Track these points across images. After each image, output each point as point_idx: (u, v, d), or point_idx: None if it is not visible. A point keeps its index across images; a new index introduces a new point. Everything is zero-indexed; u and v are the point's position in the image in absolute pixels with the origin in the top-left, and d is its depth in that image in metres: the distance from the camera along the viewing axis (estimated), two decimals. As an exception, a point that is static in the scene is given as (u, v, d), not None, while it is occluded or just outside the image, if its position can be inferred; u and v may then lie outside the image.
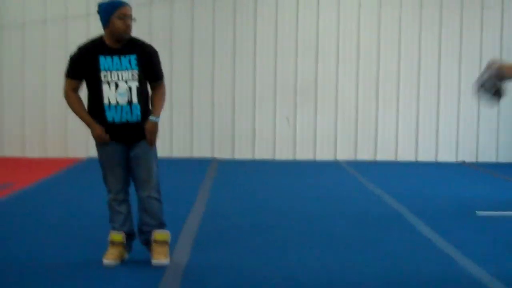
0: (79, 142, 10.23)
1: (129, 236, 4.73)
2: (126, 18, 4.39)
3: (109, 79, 4.42)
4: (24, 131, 10.59)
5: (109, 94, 4.42)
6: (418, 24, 10.66)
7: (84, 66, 4.45)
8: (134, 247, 4.81)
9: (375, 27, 10.80)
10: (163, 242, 4.63)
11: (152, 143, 4.58)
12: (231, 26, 10.69)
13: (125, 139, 4.55)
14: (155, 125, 4.54)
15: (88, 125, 4.53)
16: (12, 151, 10.59)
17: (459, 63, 10.84)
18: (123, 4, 4.43)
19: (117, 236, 4.62)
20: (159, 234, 4.63)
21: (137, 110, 4.47)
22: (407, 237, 5.46)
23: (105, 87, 4.42)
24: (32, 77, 10.50)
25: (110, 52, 4.44)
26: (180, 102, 10.64)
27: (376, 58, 10.77)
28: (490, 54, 10.78)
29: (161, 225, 4.70)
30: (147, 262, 4.61)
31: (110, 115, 4.45)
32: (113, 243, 4.61)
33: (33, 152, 10.58)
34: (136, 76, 4.45)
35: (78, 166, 9.55)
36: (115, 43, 4.46)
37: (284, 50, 10.76)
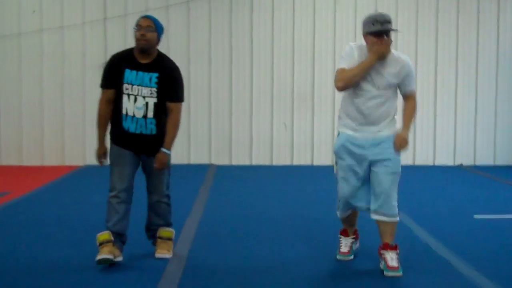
0: (76, 150, 10.22)
1: (120, 236, 4.75)
2: (139, 29, 4.72)
3: (130, 92, 4.68)
4: (21, 139, 10.58)
5: (128, 106, 4.68)
6: (414, 28, 10.69)
7: (112, 76, 4.71)
8: (140, 245, 5.05)
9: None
10: (167, 239, 4.97)
11: (159, 170, 4.78)
12: (227, 33, 10.70)
13: (139, 149, 4.77)
14: (166, 157, 4.74)
15: (98, 141, 4.80)
16: (9, 159, 10.58)
17: (456, 67, 10.87)
18: (140, 17, 4.91)
19: (103, 235, 4.67)
20: (164, 231, 4.99)
21: (151, 125, 4.71)
22: (404, 241, 5.44)
23: (125, 98, 4.68)
24: (29, 86, 10.49)
25: (136, 66, 4.72)
26: (177, 108, 10.63)
27: (373, 63, 10.76)
28: (487, 56, 10.85)
29: (168, 225, 5.03)
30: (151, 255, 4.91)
31: (126, 125, 4.70)
32: (101, 243, 4.65)
33: (30, 160, 10.57)
34: (154, 94, 4.68)
35: (75, 174, 9.53)
36: (141, 56, 4.73)
37: (281, 56, 10.78)
